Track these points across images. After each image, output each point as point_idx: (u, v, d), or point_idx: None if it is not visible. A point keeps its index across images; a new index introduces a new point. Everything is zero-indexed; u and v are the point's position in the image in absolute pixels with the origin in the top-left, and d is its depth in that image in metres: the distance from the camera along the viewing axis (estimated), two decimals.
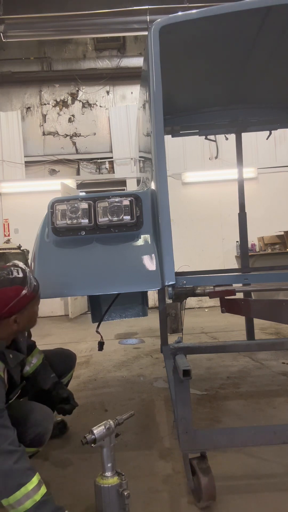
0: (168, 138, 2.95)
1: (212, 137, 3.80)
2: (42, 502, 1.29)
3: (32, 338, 2.14)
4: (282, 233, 6.99)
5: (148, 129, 1.99)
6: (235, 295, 1.69)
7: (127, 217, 1.83)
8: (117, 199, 1.84)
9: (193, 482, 1.52)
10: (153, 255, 1.74)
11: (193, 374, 1.41)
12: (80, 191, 7.51)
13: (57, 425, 2.15)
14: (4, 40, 6.75)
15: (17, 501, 1.28)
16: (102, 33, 7.04)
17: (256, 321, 3.56)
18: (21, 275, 1.57)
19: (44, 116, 7.93)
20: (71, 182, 7.47)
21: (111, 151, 7.83)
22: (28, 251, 6.38)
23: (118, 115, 7.77)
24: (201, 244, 7.48)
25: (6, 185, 7.52)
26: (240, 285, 1.96)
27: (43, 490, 1.32)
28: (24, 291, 1.55)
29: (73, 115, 7.95)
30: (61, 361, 2.19)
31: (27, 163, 7.70)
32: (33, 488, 1.29)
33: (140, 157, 3.39)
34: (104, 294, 2.53)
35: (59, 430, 2.19)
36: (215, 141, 4.61)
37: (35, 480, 1.31)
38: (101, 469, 1.38)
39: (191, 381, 1.46)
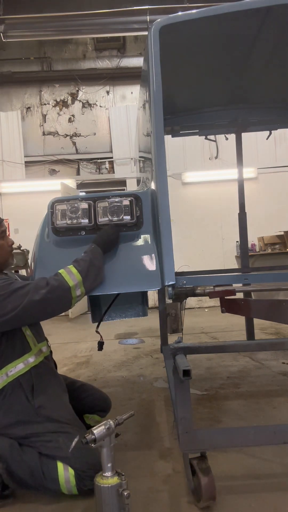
0: (168, 138, 2.95)
1: (212, 137, 3.80)
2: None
3: None
4: (282, 233, 6.99)
5: (148, 129, 1.99)
6: (235, 295, 1.69)
7: (127, 217, 1.83)
8: (117, 199, 1.84)
9: (193, 482, 1.52)
10: (153, 255, 1.74)
11: (193, 374, 1.41)
12: (80, 191, 7.51)
13: None
14: (4, 40, 6.75)
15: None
16: (102, 33, 7.04)
17: (256, 321, 3.56)
18: None
19: (44, 116, 7.93)
20: (71, 182, 7.47)
21: (111, 151, 7.83)
22: (28, 251, 6.37)
23: (118, 115, 7.77)
24: (201, 244, 7.49)
25: (6, 185, 7.52)
26: (240, 285, 1.95)
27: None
28: None
29: (73, 115, 7.95)
30: (102, 398, 2.14)
31: (27, 163, 7.70)
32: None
33: (140, 157, 3.39)
34: (104, 294, 2.53)
35: None
36: (215, 141, 4.61)
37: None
38: (101, 469, 1.38)
39: (191, 381, 1.46)
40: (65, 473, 1.57)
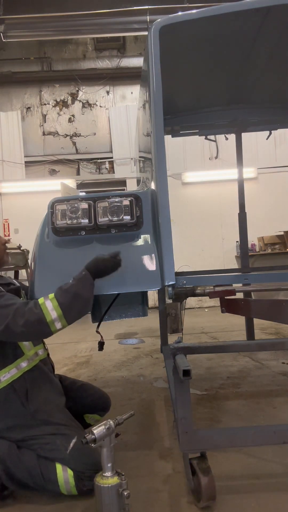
0: (168, 138, 2.95)
1: (212, 137, 3.80)
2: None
3: None
4: (282, 233, 6.99)
5: (148, 129, 1.99)
6: (235, 295, 1.69)
7: (127, 217, 1.83)
8: (117, 199, 1.84)
9: (193, 482, 1.52)
10: (153, 255, 1.74)
11: (193, 374, 1.41)
12: (80, 191, 7.51)
13: None
14: (4, 40, 6.75)
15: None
16: (102, 33, 7.05)
17: (256, 321, 3.56)
18: None
19: (44, 116, 7.93)
20: (71, 182, 7.47)
21: (111, 151, 7.84)
22: (28, 251, 6.38)
23: (118, 115, 7.78)
24: (201, 244, 7.49)
25: (6, 185, 7.52)
26: (240, 285, 1.96)
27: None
28: None
29: (73, 115, 7.95)
30: (102, 397, 2.12)
31: (27, 163, 7.70)
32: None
33: (140, 157, 3.39)
34: (104, 294, 2.53)
35: None
36: (215, 141, 4.61)
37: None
38: (99, 470, 1.38)
39: (191, 381, 1.46)
40: (64, 474, 1.57)
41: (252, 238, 7.02)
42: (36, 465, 1.59)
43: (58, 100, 7.96)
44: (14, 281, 1.94)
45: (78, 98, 7.98)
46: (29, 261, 2.10)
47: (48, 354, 1.97)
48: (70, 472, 1.56)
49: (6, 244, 1.89)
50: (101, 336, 2.45)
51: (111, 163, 7.84)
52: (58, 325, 1.56)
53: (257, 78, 2.59)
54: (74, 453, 1.58)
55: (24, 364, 1.75)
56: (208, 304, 7.07)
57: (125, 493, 1.31)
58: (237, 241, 6.88)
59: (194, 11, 1.74)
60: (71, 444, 1.58)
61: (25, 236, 6.91)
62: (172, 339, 2.43)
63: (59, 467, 1.58)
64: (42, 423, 1.66)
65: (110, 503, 1.32)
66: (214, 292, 1.67)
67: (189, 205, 7.39)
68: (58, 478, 1.57)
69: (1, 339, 1.59)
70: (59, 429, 1.66)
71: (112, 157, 7.81)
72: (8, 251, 1.93)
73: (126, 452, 1.95)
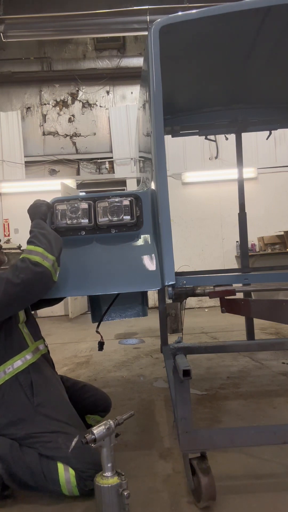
0: (168, 138, 2.95)
1: (212, 137, 3.80)
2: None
3: None
4: (282, 233, 6.99)
5: (148, 129, 1.99)
6: (235, 295, 1.69)
7: (127, 217, 1.83)
8: (117, 199, 1.84)
9: (193, 482, 1.52)
10: (153, 255, 1.74)
11: (193, 374, 1.41)
12: (80, 191, 7.51)
13: None
14: (4, 40, 6.75)
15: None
16: (102, 33, 7.05)
17: (256, 321, 3.56)
18: None
19: (44, 116, 7.93)
20: (71, 182, 7.48)
21: (111, 151, 7.84)
22: None
23: (118, 115, 7.78)
24: (201, 244, 7.49)
25: (6, 185, 7.52)
26: (240, 285, 1.96)
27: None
28: None
29: (73, 115, 7.95)
30: (103, 398, 2.13)
31: (27, 163, 7.70)
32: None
33: (140, 157, 3.39)
34: (104, 294, 2.53)
35: None
36: (215, 141, 4.62)
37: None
38: (101, 469, 1.38)
39: (191, 381, 1.46)
40: (65, 474, 1.57)
41: (252, 238, 7.02)
42: (38, 464, 1.59)
43: (58, 100, 7.96)
44: None
45: (78, 98, 7.98)
46: None
47: (48, 351, 1.98)
48: (71, 472, 1.56)
49: (7, 243, 1.90)
50: (101, 336, 2.45)
51: (111, 163, 7.84)
52: (48, 260, 1.59)
53: (257, 78, 2.59)
54: (75, 452, 1.57)
55: (29, 356, 1.76)
56: (208, 304, 7.07)
57: (125, 493, 1.31)
58: (237, 241, 6.88)
59: (194, 11, 1.74)
60: (73, 443, 1.58)
61: (25, 236, 6.89)
62: (172, 339, 2.43)
63: (60, 466, 1.58)
64: (44, 418, 1.66)
65: (110, 503, 1.32)
66: (214, 292, 1.67)
67: (189, 205, 7.39)
68: (60, 477, 1.56)
69: (5, 304, 1.57)
70: (62, 427, 1.65)
71: (112, 157, 7.81)
72: (7, 251, 1.94)
73: (126, 452, 1.95)
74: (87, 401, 2.04)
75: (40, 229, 1.70)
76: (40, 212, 1.79)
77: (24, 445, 1.64)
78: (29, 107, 7.93)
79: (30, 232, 1.71)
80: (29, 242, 1.65)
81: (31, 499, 1.63)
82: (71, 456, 1.57)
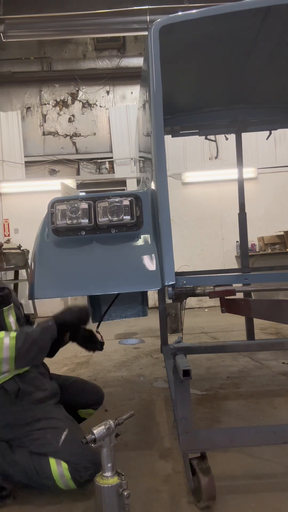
0: (168, 138, 2.95)
1: (212, 137, 3.80)
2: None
3: None
4: (282, 233, 7.00)
5: (148, 129, 1.99)
6: (235, 295, 1.69)
7: (127, 217, 1.83)
8: (117, 199, 1.84)
9: (193, 482, 1.52)
10: (153, 255, 1.74)
11: (193, 374, 1.41)
12: (80, 191, 7.51)
13: None
14: (4, 40, 6.75)
15: None
16: (102, 33, 7.05)
17: (256, 321, 3.56)
18: None
19: (44, 116, 7.93)
20: (71, 182, 7.47)
21: (111, 151, 7.83)
22: (28, 251, 6.38)
23: (118, 115, 7.78)
24: (201, 244, 7.49)
25: (6, 185, 7.52)
26: (240, 285, 1.96)
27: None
28: None
29: (73, 115, 7.95)
30: (94, 392, 2.11)
31: (27, 163, 7.70)
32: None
33: (140, 157, 3.39)
34: (104, 294, 2.53)
35: None
36: (215, 141, 4.61)
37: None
38: (101, 469, 1.38)
39: (191, 381, 1.46)
40: (58, 468, 1.56)
41: (252, 238, 7.02)
42: (29, 462, 1.59)
43: (58, 100, 7.96)
44: (6, 287, 1.90)
45: (78, 98, 7.98)
46: (29, 261, 2.09)
47: None
48: (64, 465, 1.56)
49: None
50: (101, 336, 2.46)
51: (111, 163, 7.84)
52: (4, 366, 1.56)
53: (257, 78, 2.59)
54: (66, 445, 1.58)
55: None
56: (208, 304, 7.07)
57: (125, 493, 1.31)
58: (237, 241, 6.88)
59: (194, 11, 1.74)
60: (63, 437, 1.59)
61: (25, 236, 6.91)
62: (172, 339, 2.43)
63: (52, 461, 1.57)
64: (32, 420, 1.65)
65: (110, 503, 1.32)
66: (214, 292, 1.67)
67: (189, 205, 7.39)
68: (53, 472, 1.56)
69: None
70: (49, 423, 1.65)
71: (112, 157, 7.81)
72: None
73: (126, 452, 1.95)
74: (79, 397, 2.02)
75: (41, 336, 1.64)
76: (66, 321, 1.76)
77: (13, 445, 1.64)
78: (29, 107, 7.93)
79: (38, 325, 1.69)
80: (20, 333, 1.61)
81: (31, 500, 1.63)
82: (61, 450, 1.57)
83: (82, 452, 1.57)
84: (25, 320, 1.97)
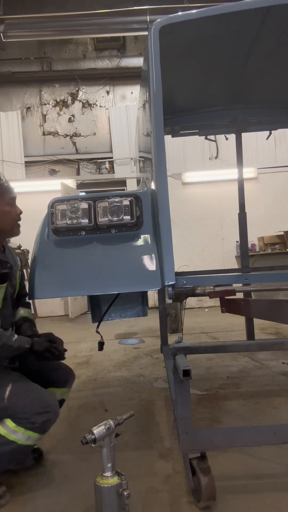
0: (168, 138, 2.95)
1: (212, 137, 3.80)
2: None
3: None
4: (282, 233, 7.00)
5: (148, 129, 1.99)
6: (235, 295, 1.69)
7: (127, 217, 1.83)
8: (117, 199, 1.84)
9: (193, 482, 1.52)
10: (153, 255, 1.74)
11: (193, 374, 1.41)
12: (80, 191, 7.51)
13: (32, 453, 1.91)
14: (4, 40, 6.75)
15: None
16: (102, 33, 7.04)
17: (256, 321, 3.56)
18: None
19: (44, 116, 7.93)
20: (71, 182, 7.47)
21: (111, 151, 7.84)
22: (28, 251, 6.38)
23: (118, 115, 7.78)
24: (201, 244, 7.49)
25: None
26: (240, 285, 1.96)
27: None
28: None
29: (73, 115, 7.95)
30: (64, 372, 2.05)
31: (27, 163, 7.70)
32: None
33: (140, 157, 3.39)
34: (104, 294, 2.53)
35: (34, 459, 1.92)
36: (215, 141, 4.62)
37: None
38: (101, 469, 1.38)
39: (191, 381, 1.46)
40: (5, 428, 1.57)
41: (252, 238, 7.02)
42: None
43: (58, 100, 7.96)
44: (13, 256, 1.92)
45: (78, 98, 7.98)
46: (29, 261, 2.09)
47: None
48: (9, 422, 1.57)
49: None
50: (101, 336, 2.46)
51: (111, 163, 7.84)
52: None
53: (257, 78, 2.59)
54: (12, 399, 1.58)
55: None
56: (208, 304, 7.07)
57: (125, 493, 1.31)
58: (237, 241, 6.88)
59: (194, 11, 1.74)
60: (7, 392, 1.59)
61: (25, 236, 6.88)
62: (172, 339, 2.43)
63: None
64: None
65: (110, 503, 1.32)
66: (214, 292, 1.67)
67: (189, 205, 7.39)
68: (4, 435, 1.57)
69: None
70: None
71: (112, 157, 7.81)
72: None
73: (126, 452, 1.95)
74: (49, 376, 1.96)
75: (10, 350, 1.66)
76: (38, 354, 1.76)
77: None
78: (29, 107, 7.93)
79: (18, 338, 1.71)
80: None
81: (31, 500, 1.63)
82: (9, 405, 1.58)
83: (31, 400, 1.58)
84: (15, 301, 1.96)
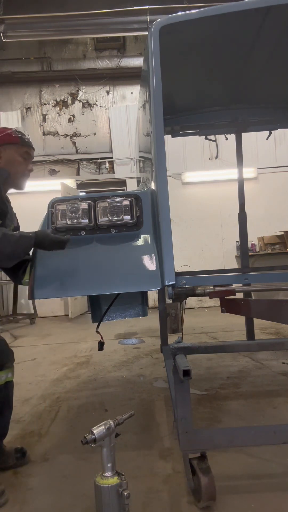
0: (168, 138, 2.95)
1: (212, 137, 3.80)
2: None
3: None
4: (282, 233, 7.00)
5: (148, 129, 1.99)
6: (235, 295, 1.69)
7: (127, 217, 1.83)
8: (117, 199, 1.84)
9: (193, 482, 1.52)
10: (153, 255, 1.74)
11: (193, 374, 1.41)
12: (80, 191, 7.51)
13: (15, 453, 1.88)
14: (4, 40, 6.75)
15: None
16: (102, 33, 7.04)
17: (256, 321, 3.56)
18: (15, 129, 1.84)
19: (44, 116, 7.93)
20: (71, 182, 7.47)
21: (111, 151, 7.83)
22: None
23: (118, 115, 7.78)
24: (201, 244, 7.49)
25: None
26: (240, 285, 1.96)
27: None
28: (9, 131, 1.85)
29: (73, 115, 7.95)
30: (4, 353, 1.92)
31: None
32: None
33: (140, 157, 3.39)
34: (104, 294, 2.53)
35: (16, 459, 1.87)
36: (215, 141, 4.61)
37: None
38: (101, 469, 1.38)
39: (191, 381, 1.46)
40: None
41: (252, 238, 7.02)
42: None
43: (58, 100, 7.96)
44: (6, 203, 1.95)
45: (78, 98, 7.98)
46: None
47: None
48: None
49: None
50: (101, 336, 2.46)
51: (111, 163, 7.84)
52: None
53: (257, 78, 2.59)
54: None
55: None
56: (208, 304, 7.07)
57: (125, 493, 1.31)
58: (237, 241, 6.88)
59: (194, 11, 1.75)
60: None
61: None
62: (172, 339, 2.43)
63: None
64: None
65: (110, 503, 1.32)
66: (214, 292, 1.67)
67: (189, 205, 7.39)
68: None
69: None
70: None
71: (112, 157, 7.81)
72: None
73: (126, 452, 1.95)
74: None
75: (17, 243, 1.64)
76: (44, 243, 1.71)
77: None
78: (29, 107, 7.93)
79: (19, 232, 1.70)
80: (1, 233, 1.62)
81: (31, 500, 1.63)
82: None
83: None
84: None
